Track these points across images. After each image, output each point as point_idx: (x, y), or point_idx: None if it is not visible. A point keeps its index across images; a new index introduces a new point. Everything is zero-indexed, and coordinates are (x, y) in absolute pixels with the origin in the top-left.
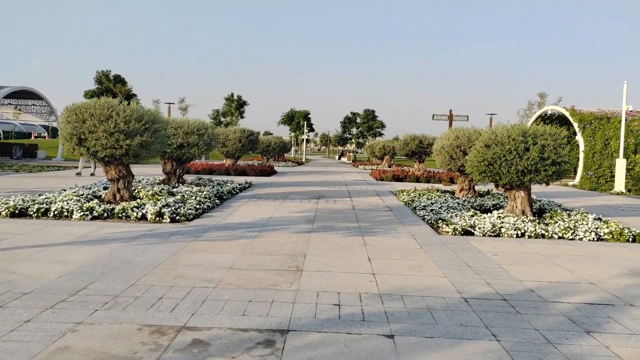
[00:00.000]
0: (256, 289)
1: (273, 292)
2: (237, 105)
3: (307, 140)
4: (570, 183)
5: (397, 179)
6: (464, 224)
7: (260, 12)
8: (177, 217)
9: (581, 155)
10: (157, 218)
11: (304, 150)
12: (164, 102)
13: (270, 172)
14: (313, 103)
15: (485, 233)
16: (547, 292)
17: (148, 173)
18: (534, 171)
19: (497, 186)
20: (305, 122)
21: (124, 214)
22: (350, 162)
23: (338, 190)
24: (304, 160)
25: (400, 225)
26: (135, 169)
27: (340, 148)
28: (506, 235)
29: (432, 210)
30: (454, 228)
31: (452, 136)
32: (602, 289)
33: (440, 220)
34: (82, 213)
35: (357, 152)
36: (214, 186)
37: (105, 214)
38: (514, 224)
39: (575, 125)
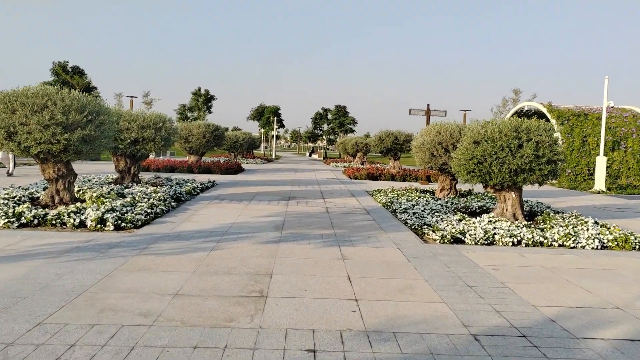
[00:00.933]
0: (206, 327)
1: (228, 331)
2: (204, 100)
3: (277, 137)
4: (550, 181)
5: (372, 177)
6: (453, 230)
7: (228, 4)
8: (123, 224)
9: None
10: (99, 225)
11: (273, 146)
12: (126, 96)
13: (237, 170)
14: (283, 98)
15: (478, 241)
16: (571, 322)
17: (104, 171)
18: (528, 170)
19: (485, 187)
20: (275, 118)
21: (58, 220)
22: (322, 159)
23: (310, 190)
24: (273, 157)
25: (381, 232)
26: (92, 166)
27: (311, 145)
28: (500, 244)
29: (414, 213)
30: (442, 235)
31: (433, 132)
32: (635, 316)
33: (425, 226)
34: (6, 220)
35: (328, 149)
36: (172, 186)
37: (37, 221)
38: (509, 230)
39: (553, 121)
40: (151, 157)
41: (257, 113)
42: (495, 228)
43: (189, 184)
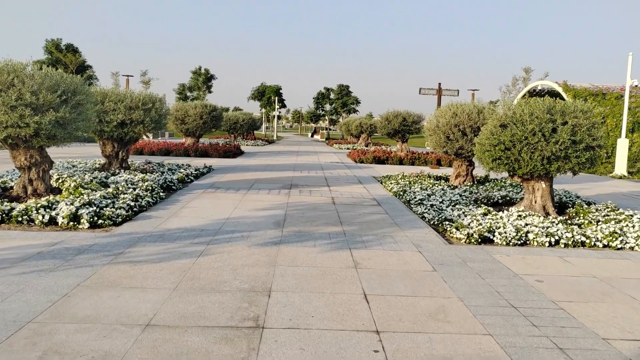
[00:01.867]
0: None
1: None
2: (204, 79)
3: (279, 117)
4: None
5: (379, 161)
6: (480, 227)
7: None
8: (100, 221)
9: None
10: (72, 223)
11: (275, 127)
12: (122, 75)
13: (236, 152)
14: (285, 78)
15: (510, 241)
16: None
17: (95, 154)
18: (563, 158)
19: (512, 176)
20: (276, 98)
21: (25, 217)
22: (324, 139)
23: (313, 176)
24: (275, 138)
25: (397, 229)
26: (82, 148)
27: (313, 125)
28: (536, 244)
29: (431, 205)
30: (468, 234)
31: (448, 113)
32: None
33: (446, 221)
34: None
35: (330, 129)
36: (163, 172)
37: (0, 217)
38: (544, 228)
39: (569, 100)
40: (147, 138)
41: (258, 93)
42: (527, 225)
43: (182, 170)
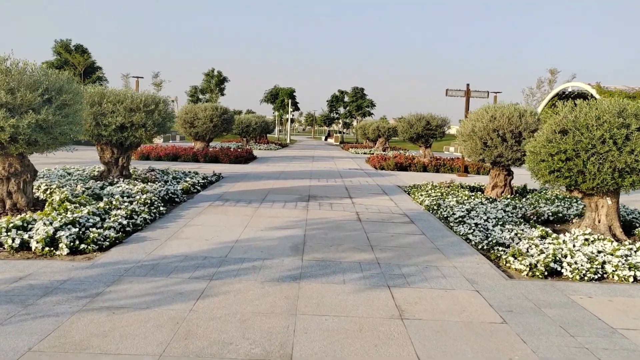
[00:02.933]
0: None
1: None
2: (217, 82)
3: (292, 120)
4: None
5: (401, 167)
6: (543, 257)
7: None
8: (83, 246)
9: None
10: (48, 248)
11: (288, 131)
12: (132, 77)
13: (248, 158)
14: (299, 81)
15: (584, 274)
16: None
17: (97, 160)
18: (638, 170)
19: (571, 190)
20: (290, 101)
21: None
22: (338, 143)
23: (332, 185)
24: (288, 141)
25: (441, 257)
26: (84, 153)
27: (326, 128)
28: (616, 278)
29: (476, 224)
30: (531, 265)
31: (486, 117)
32: None
33: (497, 246)
34: None
35: (343, 133)
36: (167, 182)
37: None
38: (623, 257)
39: None
40: (157, 141)
41: (271, 95)
42: (599, 252)
43: (188, 179)
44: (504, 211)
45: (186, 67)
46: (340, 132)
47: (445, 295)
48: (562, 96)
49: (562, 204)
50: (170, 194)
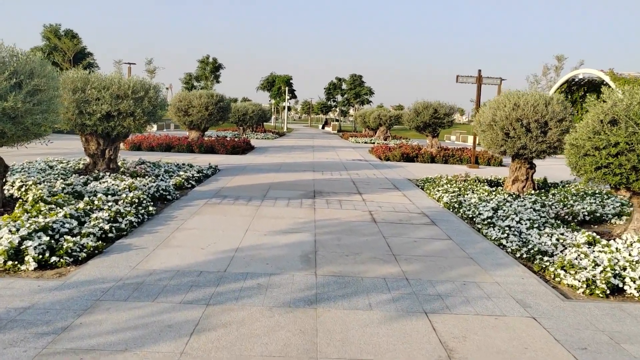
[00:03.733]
0: None
1: None
2: (212, 69)
3: (289, 108)
4: None
5: (407, 158)
6: (601, 271)
7: None
8: (54, 258)
9: None
10: (11, 262)
11: (285, 119)
12: (125, 63)
13: (245, 148)
14: (295, 68)
15: None
16: None
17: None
18: None
19: (617, 189)
20: (287, 88)
21: None
22: (336, 132)
23: (338, 179)
24: (285, 130)
25: (478, 269)
26: (75, 142)
27: (323, 116)
28: None
29: (508, 227)
30: (588, 281)
31: (508, 105)
32: None
33: (540, 255)
34: None
35: (341, 121)
36: (158, 175)
37: None
38: None
39: (619, 91)
40: (151, 129)
41: (267, 83)
42: None
43: (181, 172)
44: (534, 210)
45: (181, 54)
46: (337, 120)
47: (497, 325)
48: (572, 83)
49: (595, 201)
50: (162, 191)
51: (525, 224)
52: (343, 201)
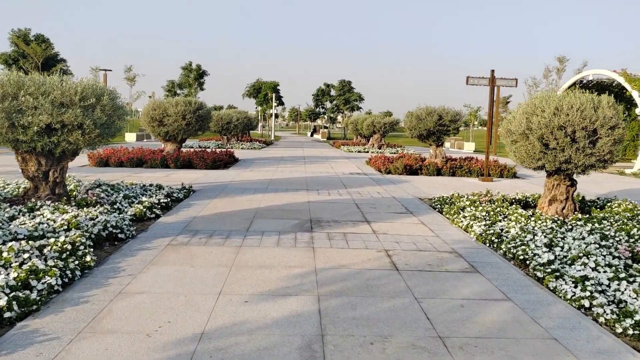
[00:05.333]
0: None
1: None
2: (196, 76)
3: (276, 115)
4: (627, 170)
5: (410, 170)
6: None
7: None
8: None
9: None
10: None
11: (272, 127)
12: (99, 69)
13: (228, 162)
14: (282, 74)
15: None
16: None
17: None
18: None
19: None
20: (273, 95)
21: None
22: (325, 139)
23: (338, 200)
24: (272, 138)
25: None
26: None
27: (311, 123)
28: None
29: (584, 278)
30: None
31: (548, 109)
32: None
33: None
34: None
35: (330, 129)
36: (114, 203)
37: None
38: None
39: (636, 94)
40: (128, 137)
41: (253, 90)
42: None
43: (145, 198)
44: (599, 245)
45: (164, 62)
46: (326, 128)
47: None
48: (581, 85)
49: None
50: (111, 228)
51: (604, 270)
52: (349, 234)
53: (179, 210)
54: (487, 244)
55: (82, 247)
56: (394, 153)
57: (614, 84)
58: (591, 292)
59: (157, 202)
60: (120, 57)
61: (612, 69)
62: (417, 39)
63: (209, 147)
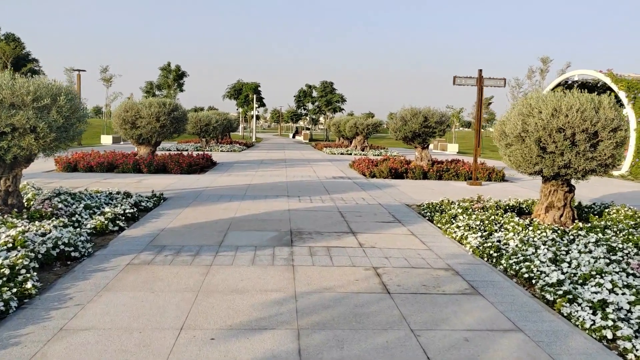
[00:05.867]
0: None
1: None
2: (175, 77)
3: (257, 117)
4: (615, 173)
5: (396, 174)
6: None
7: None
8: None
9: (633, 135)
10: None
11: (253, 128)
12: (72, 69)
13: (205, 165)
14: (264, 75)
15: None
16: None
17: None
18: None
19: None
20: (255, 96)
21: None
22: (307, 141)
23: (320, 208)
24: (254, 140)
25: None
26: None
27: (292, 125)
28: None
29: (603, 302)
30: None
31: (546, 110)
32: None
33: None
34: None
35: (311, 130)
36: (74, 214)
37: None
38: None
39: (622, 94)
40: (104, 140)
41: (234, 91)
42: None
43: (109, 208)
44: (609, 260)
45: (144, 63)
46: (308, 129)
47: None
48: (566, 86)
49: None
50: (63, 246)
51: (622, 292)
52: (333, 248)
53: (146, 222)
54: (486, 259)
55: (24, 271)
56: (378, 155)
57: (598, 84)
58: (613, 320)
59: (122, 212)
60: (99, 57)
61: (597, 69)
62: (399, 40)
63: (187, 150)
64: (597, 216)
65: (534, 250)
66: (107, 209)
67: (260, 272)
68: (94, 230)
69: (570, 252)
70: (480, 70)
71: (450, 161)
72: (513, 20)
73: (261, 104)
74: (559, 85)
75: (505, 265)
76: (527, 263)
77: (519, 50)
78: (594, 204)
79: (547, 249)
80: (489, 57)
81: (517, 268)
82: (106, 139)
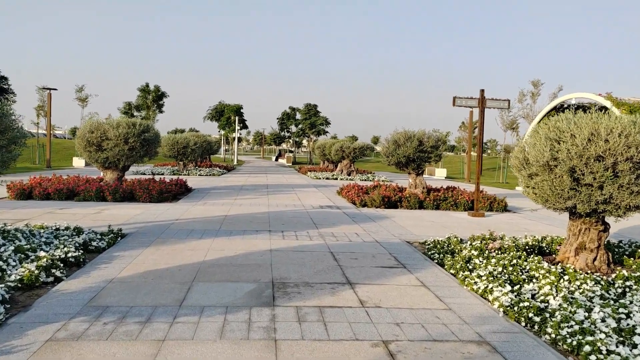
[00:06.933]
0: None
1: None
2: (154, 97)
3: (239, 139)
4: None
5: (390, 203)
6: None
7: None
8: None
9: None
10: None
11: (235, 151)
12: (43, 88)
13: (178, 193)
14: (246, 98)
15: None
16: None
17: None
18: None
19: None
20: (237, 118)
21: None
22: (290, 164)
23: (307, 247)
24: (235, 163)
25: None
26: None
27: (275, 148)
28: None
29: None
30: None
31: (579, 134)
32: None
33: None
34: None
35: (295, 152)
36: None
37: None
38: None
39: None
40: (76, 163)
41: (216, 112)
42: None
43: (49, 249)
44: None
45: (124, 84)
46: (291, 152)
47: None
48: (561, 109)
49: None
50: None
51: None
52: (327, 310)
53: (92, 269)
54: (524, 323)
55: None
56: (366, 180)
57: (604, 108)
58: None
59: (63, 256)
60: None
61: (597, 93)
62: (383, 62)
63: (162, 174)
64: (631, 258)
65: (585, 314)
66: (41, 253)
67: (231, 352)
68: (20, 284)
69: (632, 315)
70: (483, 91)
71: (447, 188)
72: (500, 41)
73: (243, 125)
74: (554, 109)
75: (554, 335)
76: (589, 337)
77: (506, 73)
78: (620, 242)
79: (602, 310)
80: (482, 79)
81: (572, 342)
82: (78, 162)
